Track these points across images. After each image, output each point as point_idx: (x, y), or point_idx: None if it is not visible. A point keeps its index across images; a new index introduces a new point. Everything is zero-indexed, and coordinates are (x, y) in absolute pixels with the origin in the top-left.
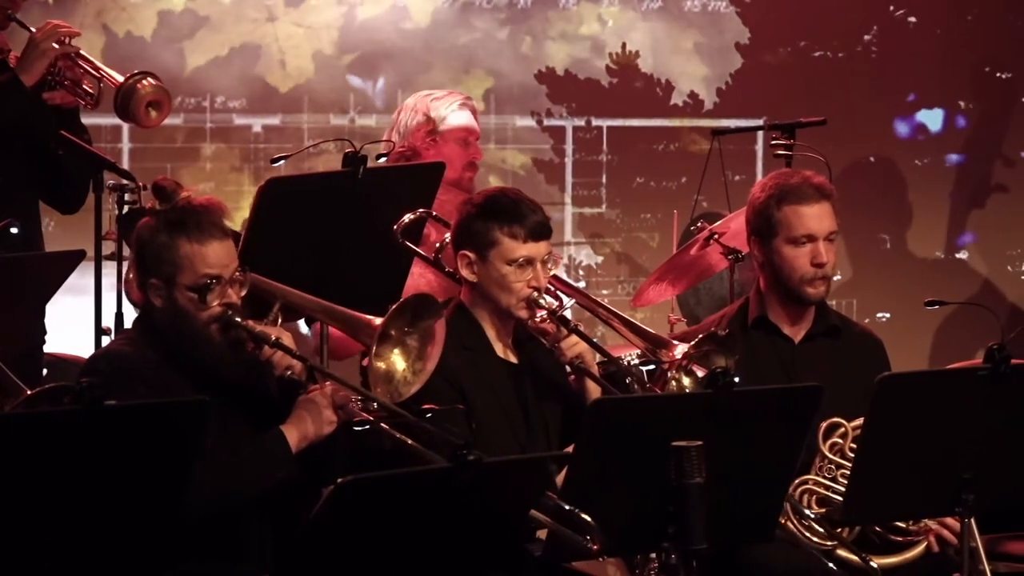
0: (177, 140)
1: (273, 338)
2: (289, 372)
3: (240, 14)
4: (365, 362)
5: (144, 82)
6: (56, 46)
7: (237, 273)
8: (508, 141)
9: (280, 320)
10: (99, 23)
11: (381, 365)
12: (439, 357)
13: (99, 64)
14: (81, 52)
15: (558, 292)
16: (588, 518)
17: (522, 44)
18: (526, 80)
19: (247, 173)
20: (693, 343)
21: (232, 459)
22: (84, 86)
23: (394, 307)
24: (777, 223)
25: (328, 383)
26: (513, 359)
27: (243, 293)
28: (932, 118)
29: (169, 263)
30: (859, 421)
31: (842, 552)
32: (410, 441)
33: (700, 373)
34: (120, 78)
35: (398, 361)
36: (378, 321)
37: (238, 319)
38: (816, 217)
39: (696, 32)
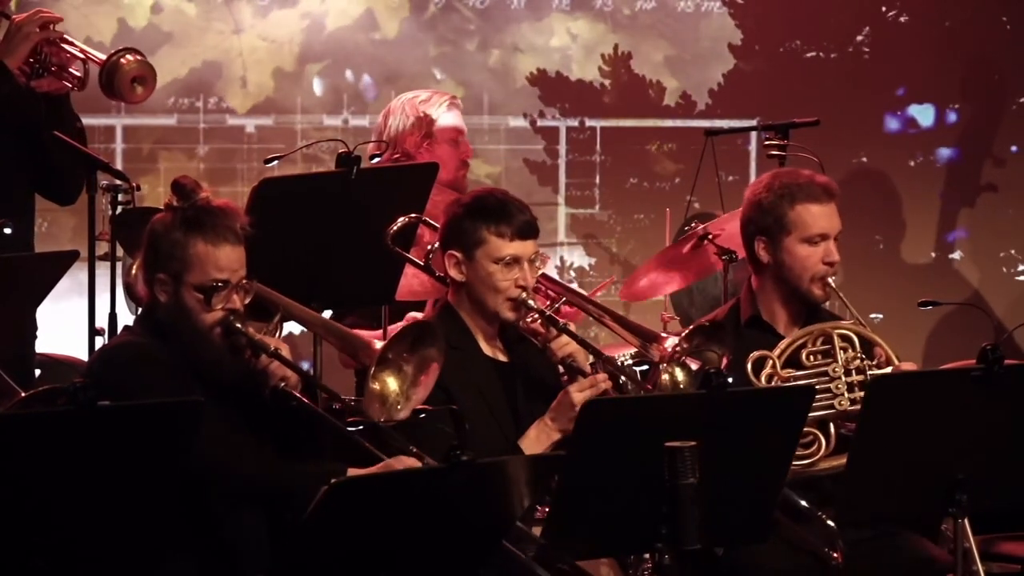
0: (170, 140)
1: (272, 348)
2: (283, 384)
3: (206, 27)
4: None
5: (127, 58)
6: (39, 31)
7: (244, 280)
8: (501, 142)
9: (280, 332)
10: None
11: (376, 386)
12: (428, 394)
13: (83, 46)
14: (64, 36)
15: (548, 292)
16: None
17: (490, 56)
18: (508, 87)
19: (240, 173)
20: (683, 335)
21: (310, 464)
22: (71, 70)
23: (396, 333)
24: (790, 222)
25: (411, 458)
26: (502, 358)
27: (247, 301)
28: (923, 113)
29: (180, 260)
30: (781, 346)
31: (823, 464)
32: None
33: (694, 366)
34: (103, 57)
35: (391, 383)
36: (378, 344)
37: (239, 325)
38: (827, 216)
39: (676, 29)
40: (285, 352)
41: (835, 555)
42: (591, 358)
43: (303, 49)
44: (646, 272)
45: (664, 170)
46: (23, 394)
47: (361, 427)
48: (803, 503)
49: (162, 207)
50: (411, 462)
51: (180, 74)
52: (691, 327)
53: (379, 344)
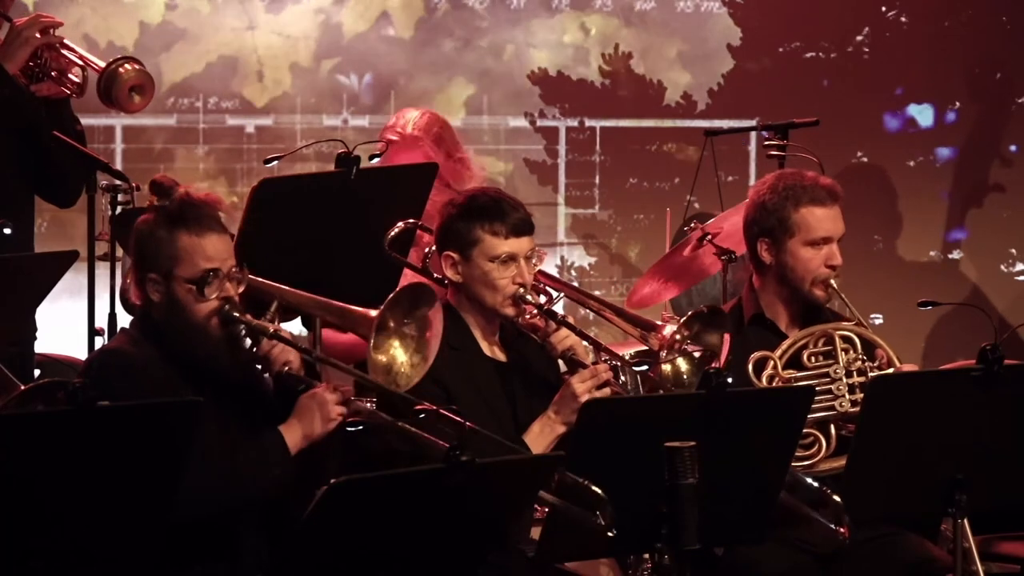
0: (170, 141)
1: (271, 331)
2: (287, 367)
3: (219, 24)
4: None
5: (126, 67)
6: (39, 35)
7: (235, 269)
8: (501, 142)
9: (278, 320)
10: (79, 33)
11: (381, 358)
12: (437, 348)
13: (82, 52)
14: (64, 41)
15: (546, 287)
16: (599, 491)
17: (504, 51)
18: (507, 87)
19: (240, 174)
20: (682, 322)
21: (228, 459)
22: (70, 75)
23: (390, 297)
24: (794, 224)
25: (332, 383)
26: (501, 357)
27: (240, 289)
28: (922, 113)
29: (168, 256)
30: (782, 347)
31: (823, 465)
32: (410, 428)
33: (696, 353)
34: (102, 64)
35: (398, 353)
36: (374, 313)
37: (235, 314)
38: (832, 219)
39: (675, 29)
40: (284, 333)
41: (842, 530)
42: (591, 352)
43: (317, 46)
44: (647, 280)
45: (688, 157)
46: (22, 387)
47: (361, 428)
48: (808, 480)
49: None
50: (323, 394)
51: (197, 69)
52: (689, 314)
53: (375, 312)
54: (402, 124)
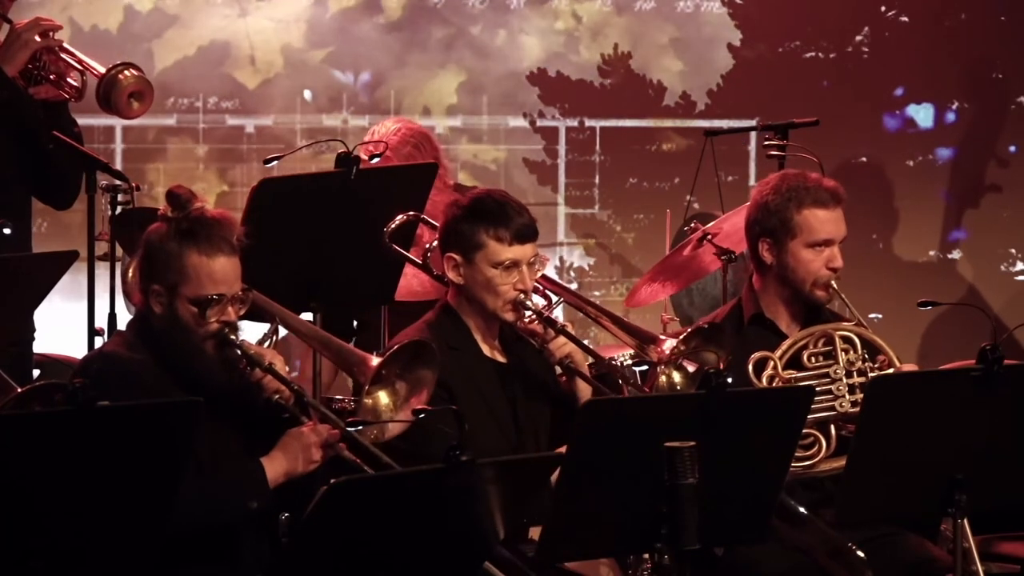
0: (169, 140)
1: (267, 363)
2: (277, 396)
3: (210, 11)
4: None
5: (126, 73)
6: (38, 39)
7: (240, 292)
8: (500, 141)
9: (275, 340)
10: (66, 16)
11: (368, 402)
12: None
13: (81, 56)
14: (64, 45)
15: (546, 292)
16: None
17: (496, 38)
18: (500, 75)
19: (240, 173)
20: (681, 338)
21: (207, 482)
22: (69, 79)
23: (394, 350)
24: (796, 226)
25: (322, 425)
26: (501, 359)
27: (243, 312)
28: (922, 113)
29: (175, 271)
30: (782, 347)
31: (823, 465)
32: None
33: (691, 368)
34: (102, 69)
35: (382, 397)
36: (374, 360)
37: (233, 338)
38: (834, 221)
39: (676, 30)
40: (279, 365)
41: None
42: (589, 359)
43: (308, 35)
44: (648, 281)
45: (679, 147)
46: (19, 389)
47: (361, 427)
48: (802, 513)
49: (159, 210)
50: (310, 435)
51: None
52: (690, 329)
53: (375, 361)
54: (375, 141)
